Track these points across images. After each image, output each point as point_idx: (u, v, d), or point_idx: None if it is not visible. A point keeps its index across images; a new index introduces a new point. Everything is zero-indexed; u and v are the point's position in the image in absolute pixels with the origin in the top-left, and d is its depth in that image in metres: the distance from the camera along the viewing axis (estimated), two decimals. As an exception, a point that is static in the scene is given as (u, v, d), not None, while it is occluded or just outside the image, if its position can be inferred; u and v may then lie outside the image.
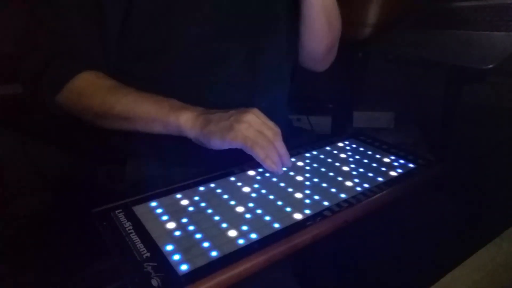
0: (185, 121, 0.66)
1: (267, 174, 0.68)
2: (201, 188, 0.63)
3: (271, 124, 0.67)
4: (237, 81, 0.77)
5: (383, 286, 0.67)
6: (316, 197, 0.61)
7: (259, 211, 0.57)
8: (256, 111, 0.67)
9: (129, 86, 0.70)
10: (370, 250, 0.71)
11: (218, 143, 0.64)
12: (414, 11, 1.36)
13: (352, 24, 1.44)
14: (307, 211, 0.57)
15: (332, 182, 0.66)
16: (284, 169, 0.69)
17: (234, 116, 0.65)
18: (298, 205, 0.59)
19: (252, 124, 0.64)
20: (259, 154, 0.63)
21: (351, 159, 0.76)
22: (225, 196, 0.61)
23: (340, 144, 0.83)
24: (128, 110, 0.67)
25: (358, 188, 0.65)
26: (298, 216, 0.56)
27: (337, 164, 0.73)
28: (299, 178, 0.68)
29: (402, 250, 0.69)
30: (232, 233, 0.52)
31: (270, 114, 0.70)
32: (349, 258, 0.71)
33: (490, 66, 0.91)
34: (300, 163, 0.73)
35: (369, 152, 0.79)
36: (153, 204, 0.59)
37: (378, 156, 0.78)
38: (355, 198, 0.61)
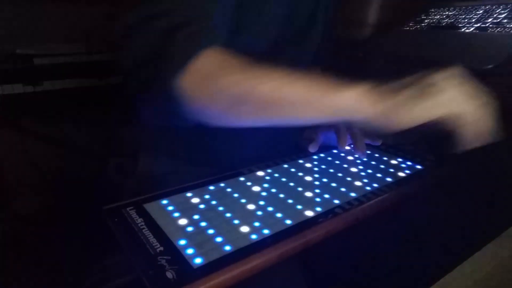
0: (356, 98, 0.53)
1: (276, 175, 0.69)
2: (211, 187, 0.63)
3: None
4: None
5: (384, 286, 0.68)
6: (327, 196, 0.62)
7: (270, 209, 0.58)
8: (458, 73, 0.53)
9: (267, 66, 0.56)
10: (371, 250, 0.72)
11: (414, 120, 0.52)
12: (414, 11, 1.37)
13: (352, 24, 1.45)
14: (318, 209, 0.58)
15: (342, 181, 0.67)
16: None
17: (434, 84, 0.52)
18: (309, 203, 0.59)
19: (460, 93, 0.52)
20: (469, 133, 0.52)
21: (358, 161, 0.77)
22: (235, 195, 0.62)
23: (347, 147, 0.83)
24: (273, 91, 0.54)
25: (368, 188, 0.65)
26: (309, 213, 0.57)
27: (345, 165, 0.74)
28: (308, 178, 0.68)
29: (402, 251, 0.70)
30: (245, 229, 0.53)
31: None
32: (350, 256, 0.71)
33: (490, 66, 0.91)
34: (308, 165, 0.74)
35: (376, 155, 0.80)
36: (164, 201, 0.59)
37: (385, 158, 0.79)
38: (365, 197, 0.62)
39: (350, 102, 0.53)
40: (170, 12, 0.55)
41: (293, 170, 0.71)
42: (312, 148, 0.79)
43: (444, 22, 1.21)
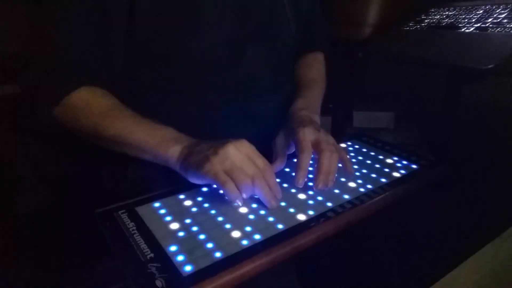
0: (171, 154, 0.62)
1: None
2: (204, 189, 0.63)
3: (257, 157, 0.60)
4: (242, 85, 0.77)
5: (384, 286, 0.67)
6: (320, 198, 0.61)
7: (262, 212, 0.57)
8: (240, 142, 0.60)
9: (126, 108, 0.68)
10: (371, 251, 0.71)
11: (193, 176, 0.60)
12: (414, 11, 1.36)
13: (352, 24, 1.45)
14: (311, 212, 0.57)
15: (336, 183, 0.66)
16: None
17: (213, 147, 0.59)
18: (302, 206, 0.59)
19: (230, 156, 0.58)
20: (229, 192, 0.56)
21: (354, 160, 0.76)
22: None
23: (343, 145, 0.82)
24: (120, 135, 0.65)
25: (362, 189, 0.64)
26: (301, 217, 0.56)
27: (340, 165, 0.73)
28: (302, 179, 0.67)
29: (403, 251, 0.69)
30: (236, 234, 0.52)
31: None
32: (350, 258, 0.71)
33: (490, 66, 0.91)
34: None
35: (372, 153, 0.79)
36: (156, 204, 0.59)
37: (381, 157, 0.77)
38: (358, 199, 0.61)
39: (171, 156, 0.62)
40: (48, 58, 0.67)
41: (287, 170, 0.70)
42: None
43: (444, 22, 1.21)
